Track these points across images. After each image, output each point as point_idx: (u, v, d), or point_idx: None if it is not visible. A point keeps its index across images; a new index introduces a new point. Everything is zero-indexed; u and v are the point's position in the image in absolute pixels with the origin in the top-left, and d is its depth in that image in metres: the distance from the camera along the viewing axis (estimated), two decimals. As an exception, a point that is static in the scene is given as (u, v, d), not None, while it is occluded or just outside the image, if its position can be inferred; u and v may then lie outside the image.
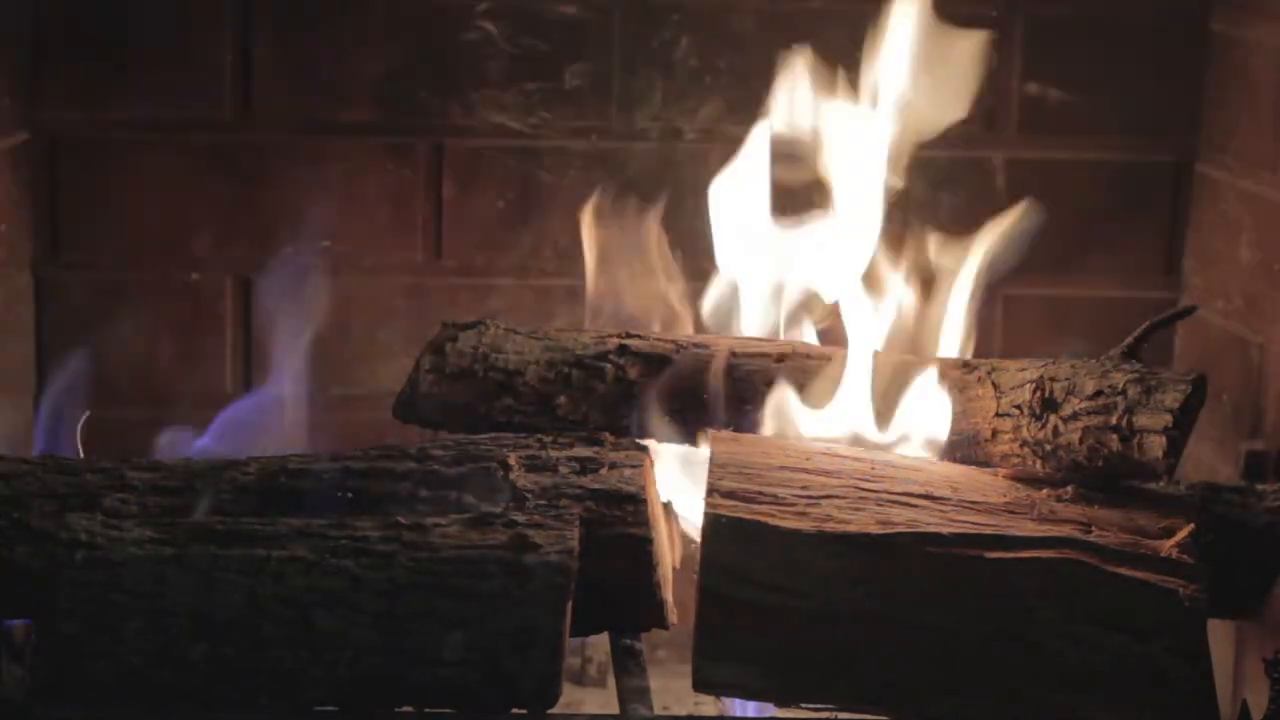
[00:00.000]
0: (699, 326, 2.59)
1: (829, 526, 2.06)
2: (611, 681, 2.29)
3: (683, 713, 2.61)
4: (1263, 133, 2.74)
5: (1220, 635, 2.37)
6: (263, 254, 2.89)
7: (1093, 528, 2.10)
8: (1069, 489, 2.20)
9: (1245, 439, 2.70)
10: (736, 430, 2.32)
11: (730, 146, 2.67)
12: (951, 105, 2.54)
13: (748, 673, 2.04)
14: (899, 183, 2.53)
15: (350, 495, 2.16)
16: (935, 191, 2.89)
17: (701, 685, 2.06)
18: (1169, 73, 2.95)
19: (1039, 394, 2.24)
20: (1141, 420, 2.15)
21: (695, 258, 2.64)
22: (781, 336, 2.53)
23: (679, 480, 2.35)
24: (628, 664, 2.16)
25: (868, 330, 2.43)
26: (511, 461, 2.18)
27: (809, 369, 2.37)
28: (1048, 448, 2.23)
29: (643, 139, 2.92)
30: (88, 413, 2.65)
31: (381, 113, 2.94)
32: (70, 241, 2.95)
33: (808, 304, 2.54)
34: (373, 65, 2.93)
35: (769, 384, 2.35)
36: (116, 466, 2.23)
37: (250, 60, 2.92)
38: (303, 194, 2.93)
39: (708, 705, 2.67)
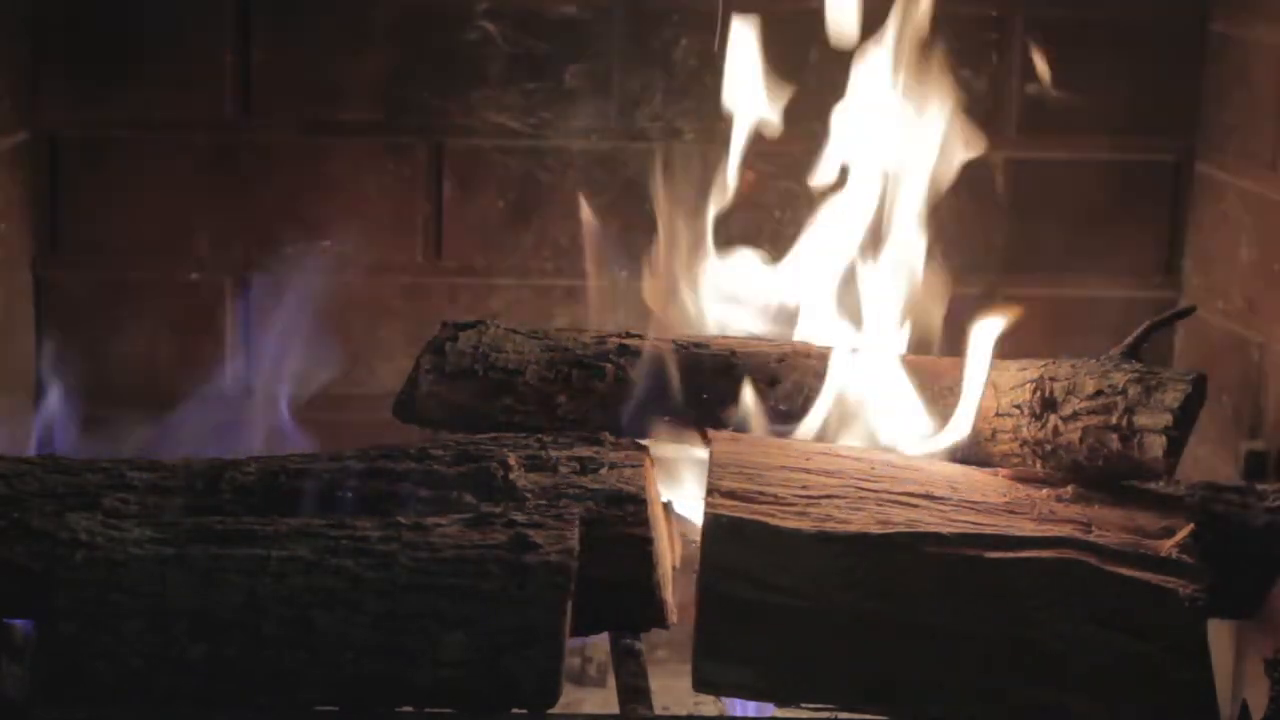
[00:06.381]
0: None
1: (829, 526, 2.06)
2: (611, 681, 2.29)
3: (683, 713, 2.61)
4: (1263, 133, 2.74)
5: (1220, 635, 2.37)
6: (263, 254, 2.89)
7: (1093, 528, 2.10)
8: (1069, 489, 2.20)
9: (1245, 439, 2.70)
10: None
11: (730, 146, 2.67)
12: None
13: (748, 673, 2.04)
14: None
15: (350, 495, 2.16)
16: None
17: (701, 685, 2.06)
18: (1169, 73, 2.95)
19: (1039, 394, 2.24)
20: (1141, 420, 2.15)
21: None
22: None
23: (678, 480, 2.36)
24: (628, 664, 2.16)
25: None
26: (511, 461, 2.18)
27: (808, 368, 2.37)
28: (1048, 448, 2.23)
29: (643, 139, 2.92)
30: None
31: (381, 113, 2.94)
32: (70, 241, 2.95)
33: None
34: (373, 65, 2.93)
35: (770, 383, 2.36)
36: (116, 466, 2.23)
37: (250, 60, 2.92)
38: (303, 194, 2.93)
39: (708, 705, 2.67)
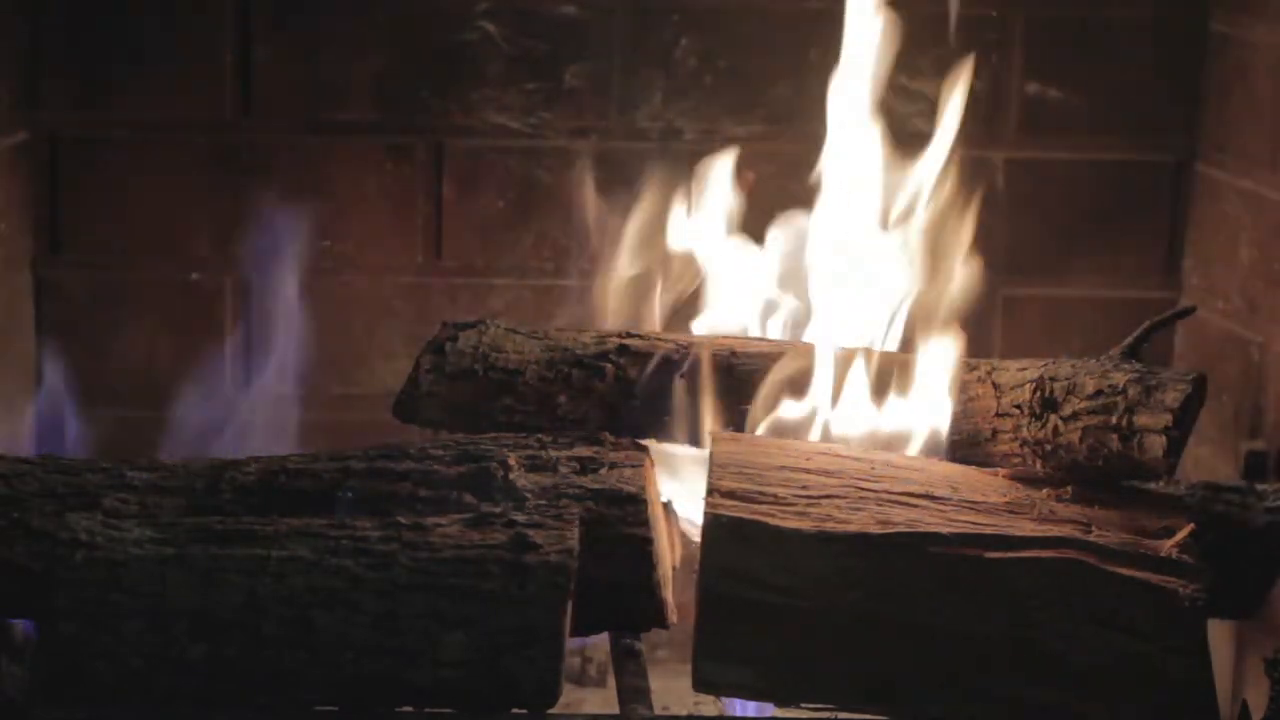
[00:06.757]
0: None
1: (829, 526, 2.06)
2: (611, 681, 2.29)
3: (683, 713, 2.61)
4: (1262, 132, 2.74)
5: (1220, 635, 2.37)
6: (263, 254, 2.89)
7: (1093, 528, 2.10)
8: (1069, 489, 2.20)
9: (1245, 439, 2.70)
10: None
11: (730, 146, 2.67)
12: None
13: (748, 673, 2.04)
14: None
15: (350, 495, 2.16)
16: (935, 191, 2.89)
17: (701, 685, 2.06)
18: (1169, 73, 2.95)
19: (1039, 394, 2.24)
20: (1142, 420, 2.15)
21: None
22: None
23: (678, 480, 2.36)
24: (628, 664, 2.16)
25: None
26: (511, 461, 2.18)
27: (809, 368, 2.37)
28: (1048, 448, 2.23)
29: (643, 139, 2.92)
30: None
31: (381, 113, 2.94)
32: (70, 241, 2.95)
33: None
34: (373, 65, 2.93)
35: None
36: (116, 466, 2.23)
37: (250, 60, 2.92)
38: (303, 194, 2.93)
39: (708, 705, 2.67)
